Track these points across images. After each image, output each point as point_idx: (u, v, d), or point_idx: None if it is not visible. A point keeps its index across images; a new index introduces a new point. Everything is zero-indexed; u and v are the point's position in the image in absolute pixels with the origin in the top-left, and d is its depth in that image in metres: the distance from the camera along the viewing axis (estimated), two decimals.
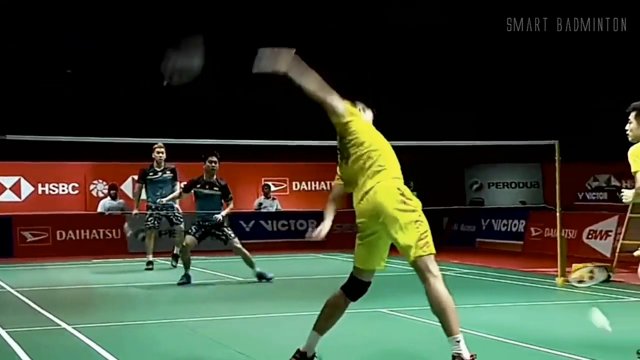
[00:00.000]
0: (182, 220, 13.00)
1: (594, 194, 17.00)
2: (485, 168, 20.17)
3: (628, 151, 6.01)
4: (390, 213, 4.89)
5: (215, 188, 11.03)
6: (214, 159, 10.94)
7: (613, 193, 16.58)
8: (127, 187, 18.14)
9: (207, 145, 11.06)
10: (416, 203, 4.99)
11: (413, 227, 4.89)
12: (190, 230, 10.97)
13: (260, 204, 18.48)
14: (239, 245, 10.89)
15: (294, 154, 17.05)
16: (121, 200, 17.50)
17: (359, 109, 5.25)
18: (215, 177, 11.05)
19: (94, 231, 16.89)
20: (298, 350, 5.12)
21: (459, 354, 4.81)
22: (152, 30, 18.45)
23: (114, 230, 16.90)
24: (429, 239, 4.93)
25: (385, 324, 7.48)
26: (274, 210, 18.38)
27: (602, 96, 18.11)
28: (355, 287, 5.12)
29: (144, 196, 13.19)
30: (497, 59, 19.11)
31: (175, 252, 13.01)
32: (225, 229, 10.96)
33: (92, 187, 18.11)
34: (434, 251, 4.96)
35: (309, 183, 19.39)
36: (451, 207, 17.59)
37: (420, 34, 18.71)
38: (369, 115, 5.32)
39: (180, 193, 11.81)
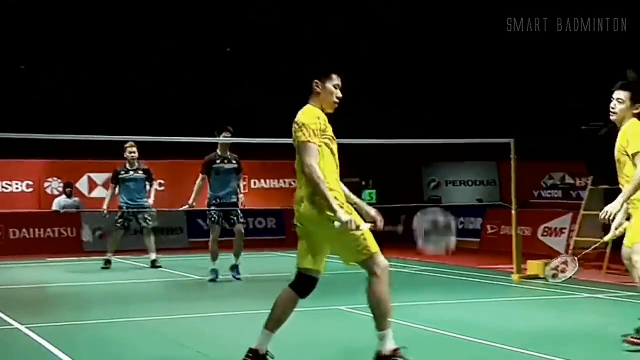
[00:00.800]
0: (151, 222, 12.84)
1: (549, 191, 17.25)
2: (442, 166, 20.33)
3: (623, 130, 5.92)
4: (323, 225, 5.00)
5: (233, 162, 10.93)
6: (229, 134, 10.73)
7: (567, 191, 16.86)
8: (82, 184, 17.90)
9: (161, 142, 10.95)
10: (347, 208, 5.06)
11: (346, 236, 4.98)
12: (212, 219, 10.73)
13: None
14: (243, 231, 10.84)
15: (252, 152, 16.97)
16: (76, 198, 17.26)
17: (317, 85, 5.17)
18: (228, 152, 10.93)
19: (49, 229, 16.63)
20: (250, 349, 5.12)
21: (379, 350, 5.10)
22: (112, 26, 18.26)
23: (69, 229, 16.66)
24: (367, 241, 5.03)
25: (344, 321, 7.50)
26: None
27: (558, 96, 18.40)
28: (303, 284, 5.14)
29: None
30: (453, 59, 19.27)
31: (153, 257, 12.72)
32: (238, 210, 10.87)
33: (46, 184, 17.81)
34: (374, 251, 5.06)
35: (267, 181, 19.33)
36: (409, 204, 17.66)
37: (381, 32, 18.77)
38: (329, 85, 5.18)
39: (201, 179, 10.87)
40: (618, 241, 6.48)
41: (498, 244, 15.31)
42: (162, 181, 17.84)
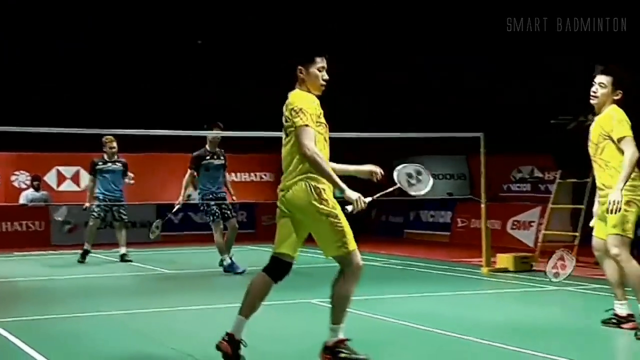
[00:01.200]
0: (126, 217, 12.79)
1: (518, 185, 17.43)
2: (413, 160, 20.36)
3: (606, 115, 5.89)
4: (308, 215, 5.04)
5: (222, 158, 10.89)
6: (219, 130, 10.67)
7: (536, 184, 17.04)
8: (50, 178, 17.71)
9: (132, 135, 10.85)
10: (333, 203, 5.08)
11: (329, 229, 5.03)
12: (216, 214, 10.69)
13: (189, 195, 18.24)
14: (237, 226, 10.82)
15: (224, 146, 16.95)
16: (44, 192, 17.08)
17: (301, 71, 5.13)
18: (217, 147, 10.87)
19: (16, 223, 16.45)
20: (227, 333, 5.17)
21: (326, 341, 5.15)
22: (112, 26, 18.10)
23: (36, 222, 16.49)
24: (347, 237, 5.07)
25: (316, 315, 7.48)
26: None
27: (525, 90, 18.55)
28: (278, 269, 5.16)
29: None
30: (428, 54, 19.32)
31: (122, 251, 12.63)
32: (229, 204, 10.84)
33: (13, 178, 17.59)
34: (351, 248, 5.10)
35: (239, 174, 19.29)
36: (381, 198, 17.72)
37: (368, 27, 18.75)
38: (313, 69, 5.14)
39: (190, 175, 10.89)
40: (586, 235, 6.54)
41: (468, 237, 15.45)
42: (131, 174, 17.73)
